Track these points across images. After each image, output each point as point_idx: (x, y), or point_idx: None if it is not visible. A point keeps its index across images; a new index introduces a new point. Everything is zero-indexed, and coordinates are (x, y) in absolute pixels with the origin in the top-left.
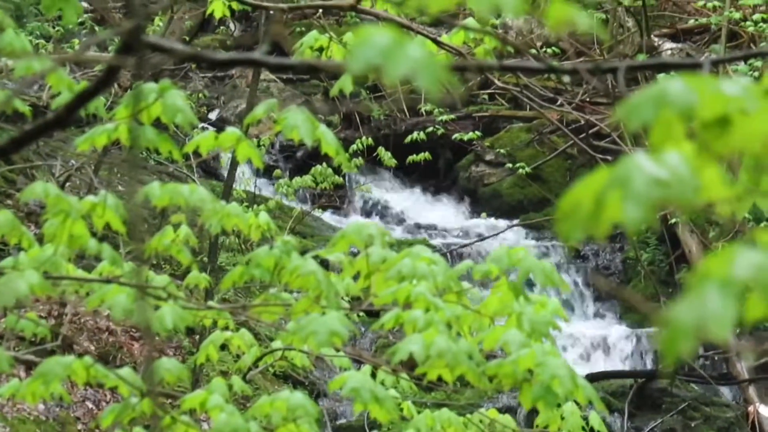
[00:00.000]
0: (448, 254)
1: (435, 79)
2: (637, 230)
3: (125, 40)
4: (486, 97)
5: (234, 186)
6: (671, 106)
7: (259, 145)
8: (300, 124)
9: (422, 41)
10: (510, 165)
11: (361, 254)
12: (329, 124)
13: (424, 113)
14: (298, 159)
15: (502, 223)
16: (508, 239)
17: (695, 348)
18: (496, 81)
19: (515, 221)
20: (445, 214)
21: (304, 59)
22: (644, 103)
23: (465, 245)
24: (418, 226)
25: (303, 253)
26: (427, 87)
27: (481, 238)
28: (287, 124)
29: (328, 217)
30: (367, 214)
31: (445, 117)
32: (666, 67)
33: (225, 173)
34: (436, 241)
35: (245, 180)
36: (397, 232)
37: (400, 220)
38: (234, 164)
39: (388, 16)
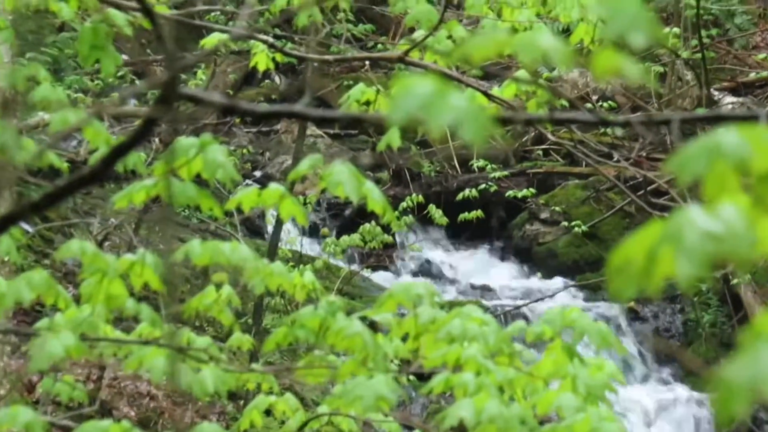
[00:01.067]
0: (501, 315)
1: (480, 130)
2: (691, 286)
3: (162, 92)
4: (540, 152)
5: (279, 245)
6: (725, 157)
7: (305, 203)
8: (345, 180)
9: (472, 94)
10: (566, 223)
11: (410, 314)
12: (378, 181)
13: (476, 170)
14: (345, 217)
15: (558, 283)
16: (563, 301)
17: (749, 409)
18: (550, 136)
19: (571, 282)
20: (499, 274)
21: (346, 111)
22: (697, 154)
23: (518, 306)
24: (472, 287)
25: (349, 313)
26: (471, 139)
27: (536, 299)
28: (332, 181)
29: (377, 277)
30: (418, 274)
31: (498, 173)
32: (722, 120)
33: (269, 231)
34: (489, 302)
35: (291, 239)
36: (450, 293)
37: (452, 281)
38: (279, 222)
39: (437, 68)
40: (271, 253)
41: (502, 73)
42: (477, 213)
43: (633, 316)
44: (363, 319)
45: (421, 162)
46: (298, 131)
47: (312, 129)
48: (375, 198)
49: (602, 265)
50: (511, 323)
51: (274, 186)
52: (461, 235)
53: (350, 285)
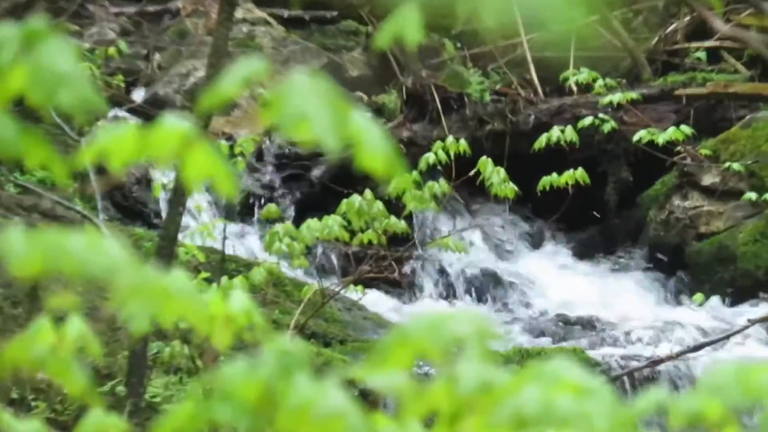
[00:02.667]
0: (622, 376)
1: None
2: None
3: None
4: (701, 56)
5: (181, 238)
6: None
7: (232, 155)
8: (313, 109)
9: None
10: (752, 196)
11: (441, 375)
12: (378, 112)
13: (572, 89)
14: (312, 183)
15: (738, 312)
16: (748, 347)
17: None
18: (719, 23)
19: (761, 313)
20: (618, 295)
21: None
22: None
23: (655, 362)
24: (565, 322)
25: (321, 372)
26: (559, 22)
27: (693, 347)
28: (287, 111)
29: (376, 301)
30: (455, 295)
31: (616, 97)
32: None
33: (162, 211)
34: (599, 351)
35: (203, 226)
36: (522, 333)
37: (526, 307)
38: (179, 194)
39: None
40: (165, 253)
41: None
42: (575, 175)
43: None
44: (350, 383)
45: (463, 75)
46: (219, 11)
47: (247, 6)
48: (372, 146)
49: None
50: (643, 390)
51: (170, 121)
52: (544, 217)
53: (323, 316)
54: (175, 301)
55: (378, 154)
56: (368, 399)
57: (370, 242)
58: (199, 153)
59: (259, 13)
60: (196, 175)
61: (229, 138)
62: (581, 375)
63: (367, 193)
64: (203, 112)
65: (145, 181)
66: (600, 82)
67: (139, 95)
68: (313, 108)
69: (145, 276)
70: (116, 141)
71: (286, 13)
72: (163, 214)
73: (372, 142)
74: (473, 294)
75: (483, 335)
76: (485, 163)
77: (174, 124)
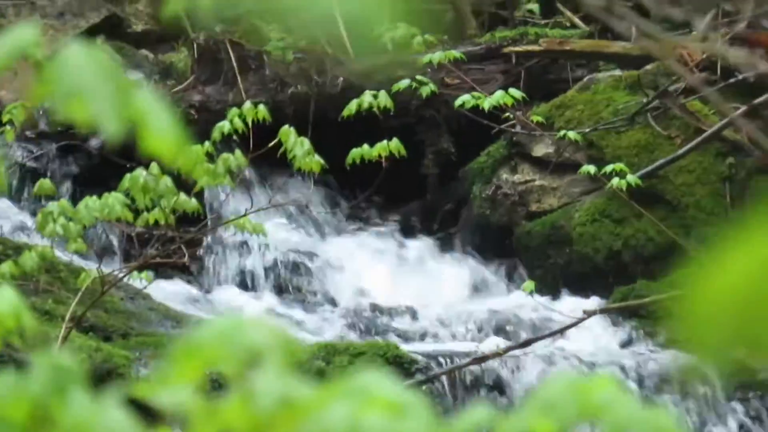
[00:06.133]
0: (443, 379)
1: None
2: None
3: None
4: (533, 8)
5: None
6: None
7: (0, 122)
8: (91, 86)
9: None
10: (590, 169)
11: (235, 390)
12: (166, 71)
13: (389, 47)
14: (91, 153)
15: (571, 304)
16: (583, 344)
17: None
18: None
19: (601, 302)
20: (437, 282)
21: None
22: None
23: (479, 359)
24: (375, 310)
25: (100, 384)
26: None
27: (520, 343)
28: (62, 88)
29: (163, 288)
30: (252, 281)
31: (437, 56)
32: None
33: None
34: (417, 346)
35: None
36: (329, 325)
37: (333, 292)
38: None
39: None
40: None
41: None
42: (389, 147)
43: (735, 384)
44: (132, 402)
45: (262, 30)
46: None
47: None
48: (158, 127)
49: (666, 262)
50: (465, 393)
51: None
52: (355, 194)
53: (103, 307)
54: None
55: (165, 136)
56: (153, 415)
57: (156, 223)
58: None
59: None
60: None
61: None
62: (395, 389)
63: (153, 166)
64: None
65: None
66: (418, 38)
67: None
68: (90, 84)
69: None
70: None
71: None
72: None
73: (158, 123)
74: (274, 281)
75: (283, 344)
76: (287, 133)
77: None
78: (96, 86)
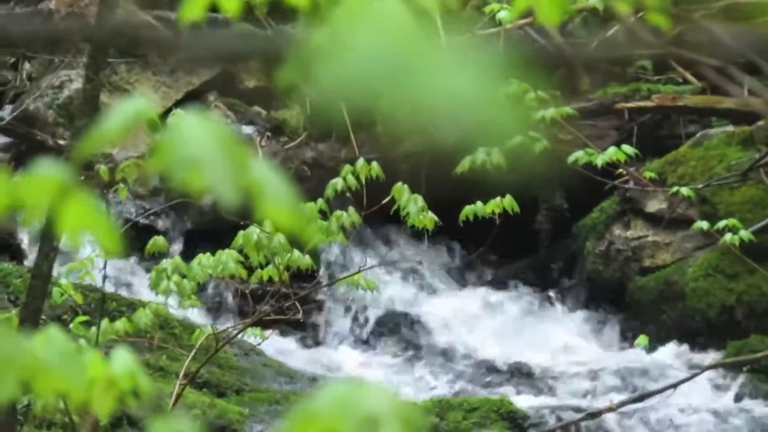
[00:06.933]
0: (558, 431)
1: None
2: None
3: None
4: (645, 64)
5: (55, 274)
6: None
7: (113, 180)
8: (207, 156)
9: None
10: (704, 225)
11: None
12: (278, 128)
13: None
14: (203, 210)
15: (686, 355)
16: (701, 397)
17: None
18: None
19: (713, 356)
20: (552, 335)
21: None
22: None
23: (597, 414)
24: (490, 367)
25: None
26: None
27: (638, 395)
28: (179, 158)
29: (277, 345)
30: (365, 338)
31: (550, 112)
32: None
33: (31, 251)
34: (531, 401)
35: (80, 263)
36: (446, 381)
37: (447, 348)
38: (49, 239)
39: None
40: (36, 294)
41: None
42: (503, 203)
43: None
44: None
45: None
46: (98, 13)
47: (130, 7)
48: (274, 197)
49: None
50: None
51: (44, 169)
52: (468, 249)
53: (216, 363)
54: (49, 372)
55: (281, 206)
56: None
57: (270, 279)
58: (77, 206)
59: (143, 14)
60: (72, 229)
61: (109, 159)
62: None
63: (267, 223)
64: (83, 155)
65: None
66: (531, 94)
67: (6, 110)
68: (206, 154)
69: (13, 345)
70: None
71: (173, 15)
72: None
73: (274, 193)
74: (387, 338)
75: (400, 410)
76: (400, 190)
77: (48, 173)
78: (211, 155)
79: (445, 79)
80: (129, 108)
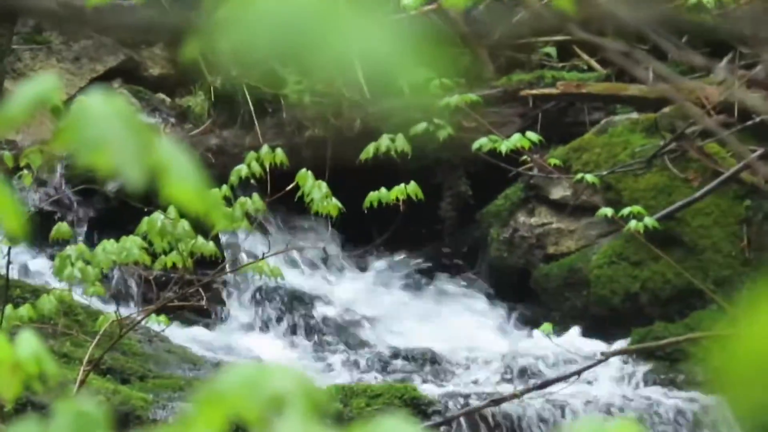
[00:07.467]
0: (461, 417)
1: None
2: None
3: None
4: (550, 52)
5: None
6: None
7: (17, 167)
8: (114, 136)
9: None
10: (608, 212)
11: None
12: (183, 115)
13: (405, 93)
14: (108, 197)
15: (590, 343)
16: (606, 386)
17: None
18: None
19: (617, 343)
20: (457, 322)
21: None
22: None
23: (500, 400)
24: (394, 354)
25: (123, 430)
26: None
27: (537, 384)
28: (85, 138)
29: (181, 331)
30: (268, 324)
31: (454, 99)
32: None
33: None
34: (435, 389)
35: None
36: (342, 366)
37: (351, 335)
38: None
39: None
40: None
41: None
42: (407, 190)
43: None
44: None
45: (279, 73)
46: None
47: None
48: (180, 177)
49: (688, 304)
50: None
51: None
52: (373, 236)
53: (120, 350)
54: None
55: (187, 185)
56: None
57: (174, 266)
58: None
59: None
60: None
61: (12, 146)
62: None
63: (171, 210)
64: None
65: None
66: (435, 82)
67: None
68: (111, 135)
69: None
70: None
71: (77, 1)
72: None
73: (180, 173)
74: (289, 324)
75: (305, 390)
76: (305, 177)
77: None
78: (117, 135)
79: (353, 37)
80: (32, 90)
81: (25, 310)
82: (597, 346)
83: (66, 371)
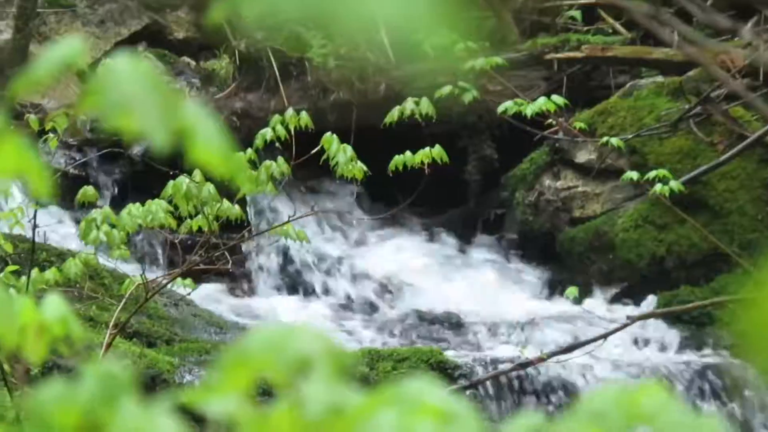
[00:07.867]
0: (488, 381)
1: None
2: None
3: None
4: (575, 15)
5: None
6: None
7: (42, 130)
8: (139, 99)
9: None
10: (633, 176)
11: (284, 396)
12: (208, 78)
13: (430, 55)
14: (133, 160)
15: (616, 306)
16: (631, 352)
17: None
18: None
19: (643, 307)
20: (482, 286)
21: None
22: None
23: (526, 364)
24: (420, 317)
25: (150, 391)
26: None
27: (564, 348)
28: (109, 101)
29: (207, 294)
30: (295, 287)
31: (479, 62)
32: None
33: None
34: (461, 352)
35: (10, 212)
36: (374, 333)
37: (377, 298)
38: None
39: None
40: None
41: None
42: (432, 154)
43: None
44: (183, 410)
45: (303, 36)
46: None
47: None
48: (206, 140)
49: (713, 268)
50: (509, 397)
51: None
52: (398, 199)
53: (146, 313)
54: None
55: (213, 149)
56: (202, 423)
57: (200, 229)
58: (8, 148)
59: None
60: (3, 173)
61: (38, 109)
62: (442, 396)
63: (197, 173)
64: (13, 99)
65: None
66: (460, 45)
67: None
68: (137, 96)
69: None
70: None
71: None
72: None
73: (206, 136)
74: (316, 288)
75: (331, 352)
76: (330, 140)
77: None
78: (143, 98)
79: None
80: (57, 53)
81: (51, 273)
82: (623, 309)
83: (92, 335)
